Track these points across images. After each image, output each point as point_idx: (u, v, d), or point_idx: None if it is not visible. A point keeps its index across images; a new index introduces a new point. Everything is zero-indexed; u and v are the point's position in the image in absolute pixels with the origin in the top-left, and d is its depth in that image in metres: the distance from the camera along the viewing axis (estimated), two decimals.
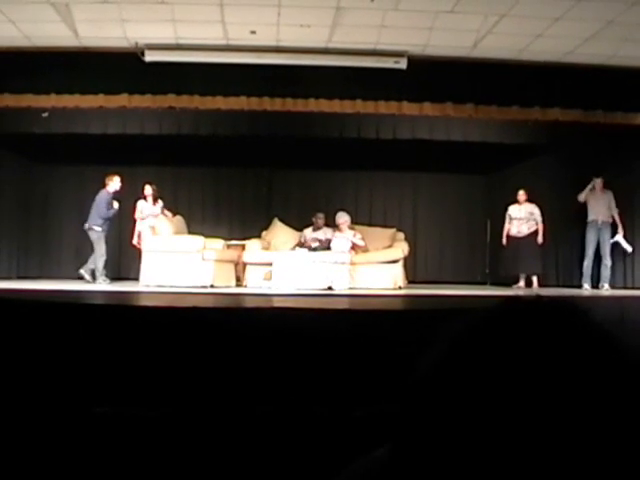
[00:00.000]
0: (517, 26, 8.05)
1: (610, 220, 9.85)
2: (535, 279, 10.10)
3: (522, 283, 10.17)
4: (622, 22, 7.77)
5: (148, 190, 9.93)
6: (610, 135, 9.52)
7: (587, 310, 0.59)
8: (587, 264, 9.85)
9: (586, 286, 9.74)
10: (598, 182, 9.90)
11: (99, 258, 9.50)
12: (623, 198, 10.14)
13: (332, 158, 11.34)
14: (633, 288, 9.87)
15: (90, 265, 9.62)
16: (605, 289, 9.59)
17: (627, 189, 10.19)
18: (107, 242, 9.65)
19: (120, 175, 9.86)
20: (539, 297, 0.62)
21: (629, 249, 9.80)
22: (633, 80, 9.15)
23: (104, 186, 9.76)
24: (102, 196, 9.69)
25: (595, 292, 9.31)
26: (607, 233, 9.84)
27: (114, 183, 9.74)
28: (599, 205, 9.86)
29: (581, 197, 9.95)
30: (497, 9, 7.66)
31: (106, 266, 9.60)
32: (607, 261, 9.77)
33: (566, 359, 0.54)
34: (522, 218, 10.21)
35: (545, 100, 9.22)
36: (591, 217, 9.90)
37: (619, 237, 9.78)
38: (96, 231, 9.54)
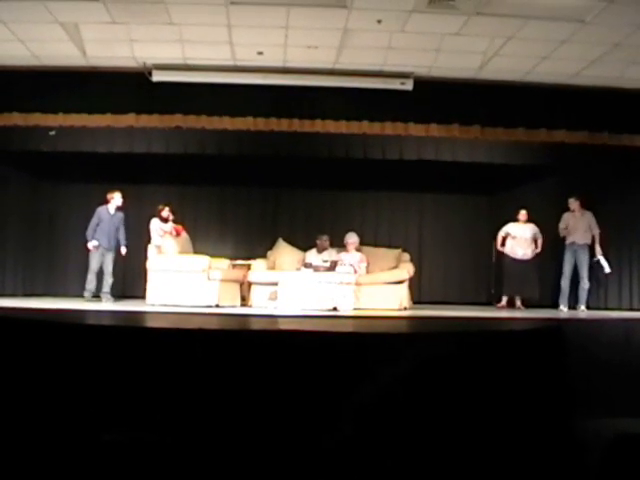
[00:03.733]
0: (523, 48, 8.09)
1: (589, 242, 9.65)
2: (519, 300, 10.03)
3: (504, 302, 10.10)
4: (628, 45, 7.81)
5: (166, 212, 9.79)
6: (616, 156, 9.51)
7: (559, 342, 0.58)
8: (564, 284, 9.69)
9: (562, 307, 9.61)
10: (573, 203, 9.77)
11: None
12: (629, 218, 10.12)
13: (338, 178, 11.35)
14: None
15: (107, 288, 9.57)
16: (581, 310, 9.47)
17: (633, 210, 10.18)
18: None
19: (127, 193, 9.83)
20: (498, 332, 0.61)
21: (607, 270, 9.57)
22: (639, 102, 9.17)
23: (107, 202, 9.67)
24: (122, 216, 9.73)
25: (573, 313, 9.15)
26: (584, 255, 9.64)
27: (117, 199, 9.73)
28: (578, 227, 9.69)
29: (562, 229, 9.77)
30: (503, 31, 7.70)
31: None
32: (585, 283, 9.59)
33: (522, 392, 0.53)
34: (528, 239, 10.13)
35: (551, 122, 9.24)
36: (569, 240, 9.74)
37: (600, 257, 9.54)
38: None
